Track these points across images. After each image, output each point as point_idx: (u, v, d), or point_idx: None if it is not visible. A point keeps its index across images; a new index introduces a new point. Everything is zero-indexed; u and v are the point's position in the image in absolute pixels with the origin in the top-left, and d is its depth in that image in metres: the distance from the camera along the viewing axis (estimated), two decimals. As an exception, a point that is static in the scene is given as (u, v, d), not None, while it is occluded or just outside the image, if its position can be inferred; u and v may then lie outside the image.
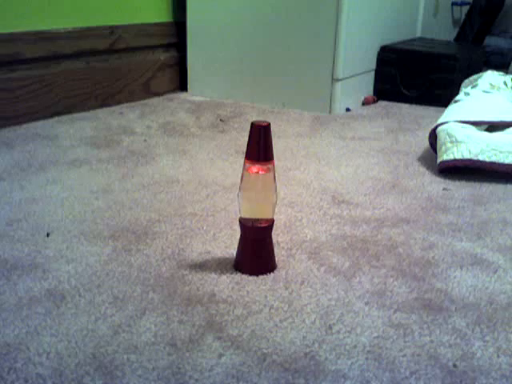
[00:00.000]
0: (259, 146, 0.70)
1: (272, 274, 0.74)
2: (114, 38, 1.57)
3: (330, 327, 0.63)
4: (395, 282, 0.72)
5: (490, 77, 1.32)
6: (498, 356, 0.59)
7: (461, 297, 0.70)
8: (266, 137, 0.71)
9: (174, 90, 1.80)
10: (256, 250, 0.74)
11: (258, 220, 0.73)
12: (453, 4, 2.34)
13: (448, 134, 1.12)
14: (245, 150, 0.72)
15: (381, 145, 1.32)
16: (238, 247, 0.75)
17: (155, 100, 1.69)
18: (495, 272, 0.76)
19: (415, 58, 1.72)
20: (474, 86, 1.30)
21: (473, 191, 1.05)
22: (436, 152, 1.16)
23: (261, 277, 0.73)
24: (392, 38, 1.80)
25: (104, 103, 1.54)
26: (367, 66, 1.72)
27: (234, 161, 1.17)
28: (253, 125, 0.70)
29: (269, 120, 1.50)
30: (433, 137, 1.19)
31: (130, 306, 0.65)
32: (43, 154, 1.17)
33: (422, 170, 1.16)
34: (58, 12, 1.42)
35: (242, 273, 0.73)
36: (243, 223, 0.74)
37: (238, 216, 0.74)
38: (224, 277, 0.72)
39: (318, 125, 1.47)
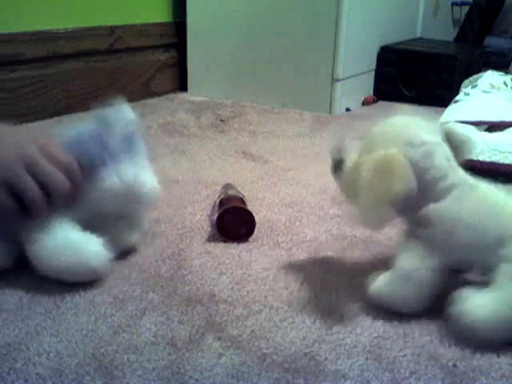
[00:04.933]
0: None
1: (272, 273, 0.74)
2: (114, 38, 1.57)
3: (330, 327, 0.63)
4: (395, 282, 0.72)
5: (490, 77, 1.32)
6: (498, 356, 0.59)
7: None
8: None
9: (173, 90, 1.80)
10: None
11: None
12: (453, 4, 2.34)
13: (448, 134, 1.12)
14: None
15: (381, 145, 1.32)
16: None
17: (155, 100, 1.69)
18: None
19: (415, 58, 1.72)
20: (474, 86, 1.30)
21: (473, 191, 1.05)
22: (436, 152, 1.16)
23: (260, 277, 0.73)
24: (392, 38, 1.80)
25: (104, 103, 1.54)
26: (367, 66, 1.71)
27: (234, 161, 1.17)
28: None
29: (269, 120, 1.50)
30: (433, 137, 1.19)
31: (130, 306, 0.65)
32: (43, 154, 1.17)
33: (422, 170, 1.16)
34: (57, 12, 1.42)
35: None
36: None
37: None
38: (224, 277, 0.72)
39: (317, 125, 1.47)
